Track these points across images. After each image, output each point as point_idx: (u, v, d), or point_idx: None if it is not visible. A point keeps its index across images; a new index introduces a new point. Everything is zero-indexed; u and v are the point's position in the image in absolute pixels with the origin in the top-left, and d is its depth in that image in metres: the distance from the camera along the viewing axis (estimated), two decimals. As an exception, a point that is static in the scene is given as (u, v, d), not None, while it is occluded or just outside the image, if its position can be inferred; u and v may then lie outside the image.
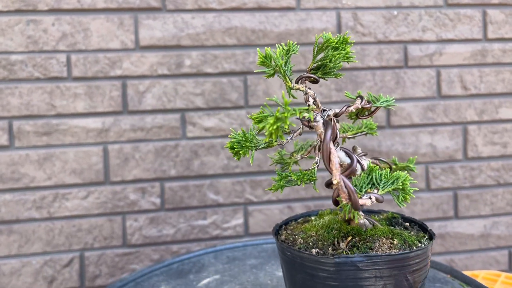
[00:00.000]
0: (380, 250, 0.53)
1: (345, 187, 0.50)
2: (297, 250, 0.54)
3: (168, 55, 1.02)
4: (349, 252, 0.53)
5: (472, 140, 1.14)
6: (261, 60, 0.55)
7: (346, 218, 0.57)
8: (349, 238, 0.55)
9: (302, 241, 0.57)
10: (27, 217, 0.97)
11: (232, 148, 0.55)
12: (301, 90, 0.57)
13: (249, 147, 0.56)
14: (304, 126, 0.57)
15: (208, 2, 1.03)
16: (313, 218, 0.65)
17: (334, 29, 1.08)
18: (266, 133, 0.49)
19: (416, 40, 1.11)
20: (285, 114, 0.48)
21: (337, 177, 0.50)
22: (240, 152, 0.55)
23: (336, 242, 0.55)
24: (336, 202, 0.54)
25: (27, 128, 0.97)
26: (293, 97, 0.57)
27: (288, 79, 0.56)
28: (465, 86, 1.14)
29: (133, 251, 1.02)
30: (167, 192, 1.03)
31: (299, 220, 0.66)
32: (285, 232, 0.61)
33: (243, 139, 0.56)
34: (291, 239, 0.58)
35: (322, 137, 0.54)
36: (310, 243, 0.56)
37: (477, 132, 1.14)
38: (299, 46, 0.58)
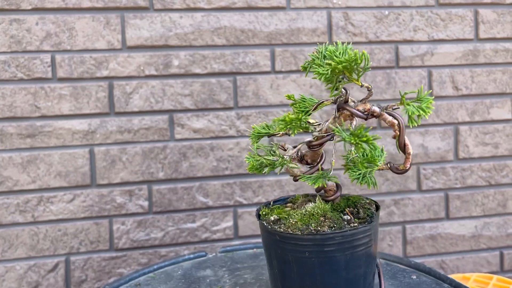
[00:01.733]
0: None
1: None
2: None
3: (155, 55, 1.00)
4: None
5: (463, 140, 1.14)
6: None
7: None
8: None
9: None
10: (10, 221, 0.95)
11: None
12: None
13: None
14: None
15: (196, 2, 1.01)
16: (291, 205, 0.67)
17: (325, 29, 1.06)
18: None
19: (408, 40, 1.10)
20: None
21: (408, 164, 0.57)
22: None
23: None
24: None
25: (10, 130, 0.94)
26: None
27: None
28: (457, 86, 1.13)
29: (120, 255, 1.00)
30: (155, 195, 1.01)
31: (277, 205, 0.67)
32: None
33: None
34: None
35: (397, 127, 0.56)
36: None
37: (469, 133, 1.14)
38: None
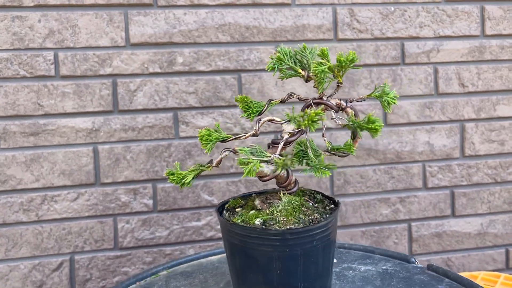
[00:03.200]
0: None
1: None
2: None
3: (159, 53, 0.99)
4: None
5: (469, 138, 1.13)
6: None
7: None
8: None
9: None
10: (14, 220, 0.94)
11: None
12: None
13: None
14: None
15: (200, -2, 1.00)
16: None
17: (330, 26, 1.05)
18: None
19: (413, 37, 1.09)
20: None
21: None
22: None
23: None
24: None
25: (13, 128, 0.94)
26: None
27: None
28: (463, 83, 1.12)
29: (125, 254, 0.99)
30: (160, 194, 1.00)
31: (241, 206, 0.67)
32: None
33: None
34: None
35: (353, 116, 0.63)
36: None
37: (475, 130, 1.13)
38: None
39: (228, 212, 0.65)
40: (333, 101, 0.63)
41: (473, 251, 1.15)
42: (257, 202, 0.65)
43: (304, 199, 0.66)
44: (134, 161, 0.98)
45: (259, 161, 0.57)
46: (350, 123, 0.61)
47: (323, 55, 0.62)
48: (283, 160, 0.59)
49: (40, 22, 0.94)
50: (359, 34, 1.07)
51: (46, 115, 0.95)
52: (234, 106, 1.02)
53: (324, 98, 0.63)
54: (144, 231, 0.99)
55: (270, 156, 0.60)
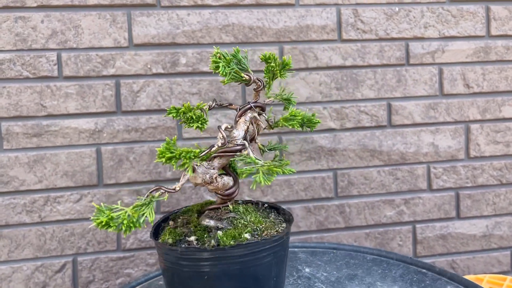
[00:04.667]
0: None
1: None
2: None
3: (163, 53, 0.98)
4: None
5: (474, 139, 1.12)
6: None
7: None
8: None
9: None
10: (17, 221, 0.94)
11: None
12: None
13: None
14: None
15: (204, -2, 0.99)
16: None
17: (334, 26, 1.05)
18: None
19: (418, 37, 1.08)
20: None
21: None
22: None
23: None
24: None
25: (16, 129, 0.93)
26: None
27: None
28: (468, 84, 1.11)
29: (128, 256, 0.99)
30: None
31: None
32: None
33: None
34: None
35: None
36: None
37: (480, 131, 1.12)
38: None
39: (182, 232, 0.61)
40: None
41: (478, 253, 1.14)
42: (207, 221, 0.62)
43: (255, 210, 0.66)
44: (137, 162, 0.98)
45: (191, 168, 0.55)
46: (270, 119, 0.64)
47: (269, 59, 0.62)
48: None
49: (43, 22, 0.94)
50: (364, 34, 1.06)
51: (49, 116, 0.95)
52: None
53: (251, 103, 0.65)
54: (147, 232, 0.99)
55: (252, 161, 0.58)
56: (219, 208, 0.65)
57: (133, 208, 0.46)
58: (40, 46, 0.94)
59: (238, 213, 0.62)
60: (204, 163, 0.58)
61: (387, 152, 1.08)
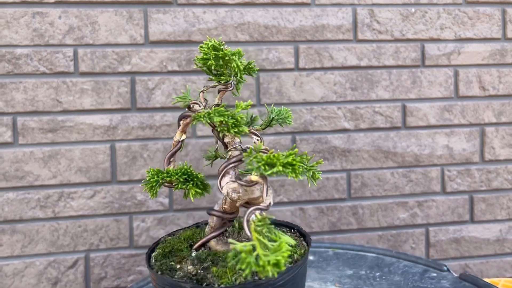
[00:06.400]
0: None
1: None
2: None
3: (178, 51, 0.98)
4: None
5: (489, 142, 1.11)
6: None
7: None
8: None
9: None
10: (31, 216, 0.94)
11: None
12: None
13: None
14: None
15: (220, -4, 0.99)
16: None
17: (350, 26, 1.04)
18: None
19: (434, 39, 1.08)
20: None
21: None
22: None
23: None
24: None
25: (31, 124, 0.93)
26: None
27: None
28: (483, 86, 1.10)
29: (140, 253, 0.98)
30: (176, 192, 0.99)
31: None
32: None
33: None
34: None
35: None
36: None
37: (495, 134, 1.11)
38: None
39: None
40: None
41: (491, 257, 1.13)
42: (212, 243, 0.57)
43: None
44: (151, 159, 0.98)
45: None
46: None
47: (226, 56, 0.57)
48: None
49: (61, 18, 0.94)
50: (379, 35, 1.05)
51: (65, 112, 0.95)
52: (252, 105, 1.01)
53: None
54: (159, 230, 0.99)
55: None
56: (225, 231, 0.59)
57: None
58: (57, 41, 0.94)
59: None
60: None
61: (401, 153, 1.07)
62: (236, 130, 0.52)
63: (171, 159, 0.61)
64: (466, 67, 1.09)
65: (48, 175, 0.94)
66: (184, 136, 0.62)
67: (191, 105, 0.61)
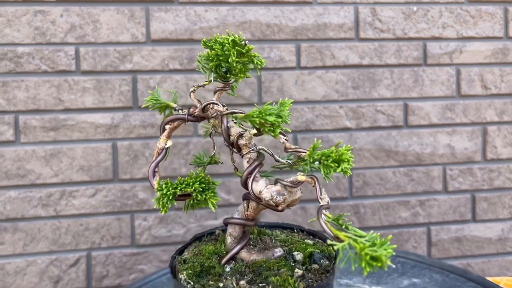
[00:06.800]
0: None
1: None
2: None
3: (180, 49, 0.98)
4: None
5: (491, 141, 1.11)
6: None
7: None
8: None
9: None
10: (33, 215, 0.94)
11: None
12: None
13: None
14: None
15: (222, -5, 0.99)
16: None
17: (352, 25, 1.04)
18: None
19: (436, 37, 1.07)
20: None
21: None
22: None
23: None
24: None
25: (33, 123, 0.94)
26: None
27: None
28: (486, 85, 1.10)
29: (141, 251, 0.98)
30: (177, 191, 0.99)
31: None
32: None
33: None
34: None
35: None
36: None
37: (497, 133, 1.11)
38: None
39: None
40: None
41: (493, 256, 1.12)
42: (247, 255, 0.55)
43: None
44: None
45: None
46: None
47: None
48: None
49: (62, 17, 0.94)
50: (381, 33, 1.05)
51: (66, 110, 0.95)
52: (253, 104, 1.01)
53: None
54: (161, 228, 0.99)
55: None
56: (250, 239, 0.57)
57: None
58: (59, 40, 0.94)
59: (277, 238, 0.57)
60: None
61: (403, 152, 1.07)
62: (280, 130, 0.49)
63: (156, 170, 0.58)
64: (468, 66, 1.09)
65: (50, 174, 0.94)
66: (170, 143, 0.59)
67: (209, 106, 0.58)
